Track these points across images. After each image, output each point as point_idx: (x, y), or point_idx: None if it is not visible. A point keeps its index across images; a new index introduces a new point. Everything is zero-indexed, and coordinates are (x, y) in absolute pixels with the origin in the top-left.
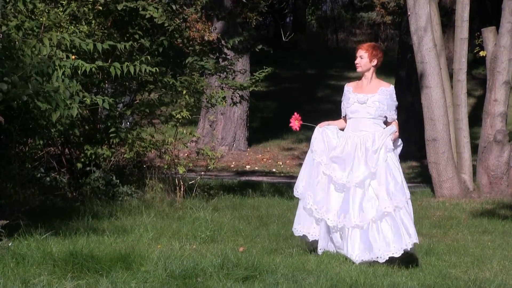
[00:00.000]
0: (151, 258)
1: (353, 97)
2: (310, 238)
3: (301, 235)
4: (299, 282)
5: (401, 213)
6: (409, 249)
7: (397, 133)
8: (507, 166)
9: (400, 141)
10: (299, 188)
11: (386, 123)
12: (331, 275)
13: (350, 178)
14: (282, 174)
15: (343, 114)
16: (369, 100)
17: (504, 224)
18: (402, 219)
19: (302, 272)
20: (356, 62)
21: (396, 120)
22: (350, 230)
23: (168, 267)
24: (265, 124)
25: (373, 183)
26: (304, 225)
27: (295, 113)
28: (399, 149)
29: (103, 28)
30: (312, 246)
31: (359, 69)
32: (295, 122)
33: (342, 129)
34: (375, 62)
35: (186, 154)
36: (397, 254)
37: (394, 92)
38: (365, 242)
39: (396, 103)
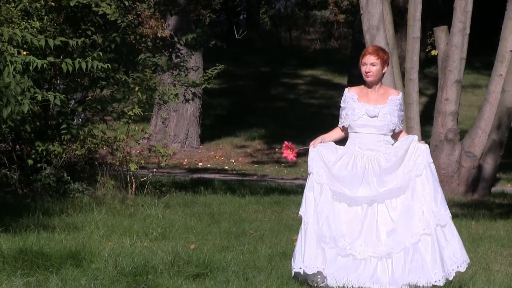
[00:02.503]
0: (101, 255)
1: (359, 107)
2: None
3: (316, 271)
4: (250, 280)
5: (445, 231)
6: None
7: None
8: (458, 165)
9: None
10: (308, 214)
11: (394, 135)
12: (282, 273)
13: (366, 192)
14: (235, 172)
15: (343, 124)
16: (380, 112)
17: (454, 222)
18: (446, 238)
19: (253, 269)
20: (367, 70)
21: (404, 131)
22: (378, 260)
23: (119, 264)
24: (218, 122)
25: (400, 199)
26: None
27: (286, 142)
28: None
29: (55, 24)
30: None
31: (370, 78)
32: (289, 152)
33: (338, 140)
34: (385, 68)
35: (138, 151)
36: (440, 282)
37: (402, 99)
38: (397, 273)
39: (403, 111)
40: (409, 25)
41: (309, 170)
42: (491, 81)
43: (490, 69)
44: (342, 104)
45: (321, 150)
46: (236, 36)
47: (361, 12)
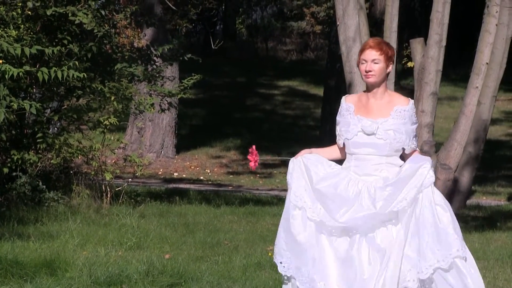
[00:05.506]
0: (76, 264)
1: (355, 122)
2: None
3: None
4: None
5: (451, 273)
6: None
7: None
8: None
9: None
10: (284, 258)
11: (404, 155)
12: (256, 283)
13: (353, 216)
14: (210, 182)
15: (338, 141)
16: (379, 129)
17: None
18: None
19: (227, 279)
20: (367, 69)
21: (418, 149)
22: None
23: (93, 273)
24: (194, 132)
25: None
26: None
27: (253, 147)
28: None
29: (31, 32)
30: None
31: (371, 79)
32: (253, 158)
33: (335, 160)
34: (390, 67)
35: (113, 161)
36: None
37: (414, 109)
38: None
39: (417, 124)
40: (385, 37)
41: (288, 189)
42: (467, 94)
43: (467, 81)
44: (337, 117)
45: (304, 162)
46: (213, 46)
47: (337, 23)
